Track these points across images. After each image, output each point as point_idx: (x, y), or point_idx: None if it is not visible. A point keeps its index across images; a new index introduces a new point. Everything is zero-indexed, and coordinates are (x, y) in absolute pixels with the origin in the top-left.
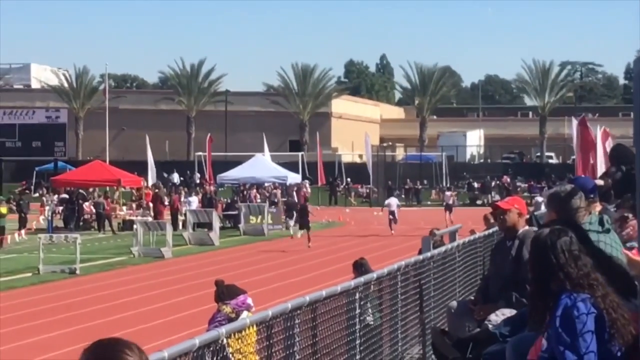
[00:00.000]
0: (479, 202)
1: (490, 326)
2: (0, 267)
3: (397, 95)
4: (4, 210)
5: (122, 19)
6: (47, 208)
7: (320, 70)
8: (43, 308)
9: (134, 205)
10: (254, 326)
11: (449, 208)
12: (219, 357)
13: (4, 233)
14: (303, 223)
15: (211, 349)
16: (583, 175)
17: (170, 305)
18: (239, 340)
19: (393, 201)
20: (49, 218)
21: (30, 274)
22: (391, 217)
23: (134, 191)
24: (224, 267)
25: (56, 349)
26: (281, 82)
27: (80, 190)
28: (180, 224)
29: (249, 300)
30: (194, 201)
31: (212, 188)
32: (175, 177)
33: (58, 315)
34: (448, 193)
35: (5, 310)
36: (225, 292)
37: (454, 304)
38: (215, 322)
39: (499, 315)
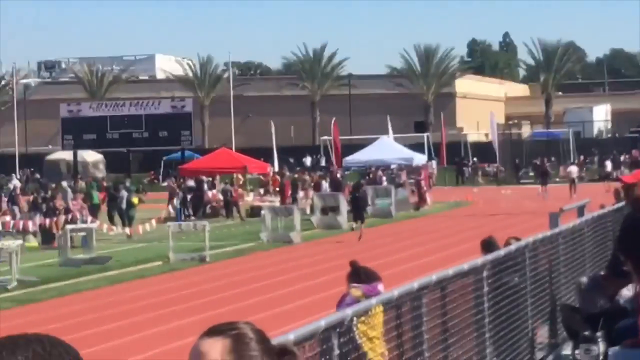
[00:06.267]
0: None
1: (621, 301)
2: (131, 256)
3: (522, 73)
4: (135, 200)
5: (244, 7)
6: (175, 197)
7: (443, 50)
8: (174, 296)
9: (261, 192)
10: (381, 308)
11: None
12: (345, 339)
13: (132, 223)
14: None
15: (337, 330)
16: None
17: (300, 290)
18: (365, 323)
19: (573, 169)
20: (178, 207)
21: (160, 263)
22: (572, 184)
23: (261, 177)
24: (352, 251)
25: (188, 336)
26: (404, 64)
27: (204, 178)
28: (308, 208)
29: (381, 287)
30: (324, 185)
31: (339, 172)
32: (308, 161)
33: (189, 303)
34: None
35: (136, 299)
36: (361, 274)
37: (584, 279)
38: (343, 305)
39: (631, 290)
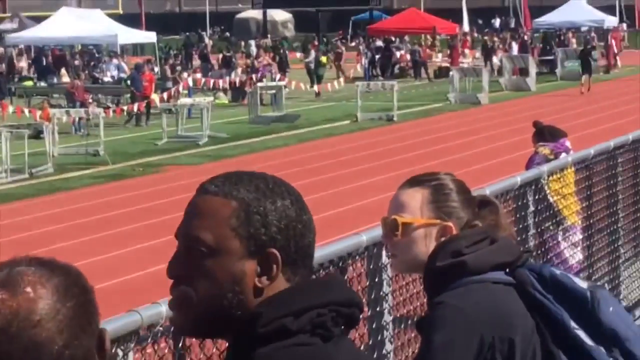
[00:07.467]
0: None
1: None
2: (320, 114)
3: None
4: (324, 59)
5: None
6: (362, 57)
7: None
8: (362, 154)
9: (448, 52)
10: (573, 167)
11: None
12: (540, 196)
13: (320, 82)
14: None
15: (532, 187)
16: None
17: (488, 151)
18: (559, 180)
19: None
20: (365, 66)
21: (348, 122)
22: None
23: (448, 38)
24: (540, 112)
25: (375, 195)
26: None
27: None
28: (496, 70)
29: (568, 143)
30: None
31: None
32: (497, 22)
33: (376, 162)
34: None
35: (324, 157)
36: (545, 133)
37: None
38: (533, 164)
39: None
